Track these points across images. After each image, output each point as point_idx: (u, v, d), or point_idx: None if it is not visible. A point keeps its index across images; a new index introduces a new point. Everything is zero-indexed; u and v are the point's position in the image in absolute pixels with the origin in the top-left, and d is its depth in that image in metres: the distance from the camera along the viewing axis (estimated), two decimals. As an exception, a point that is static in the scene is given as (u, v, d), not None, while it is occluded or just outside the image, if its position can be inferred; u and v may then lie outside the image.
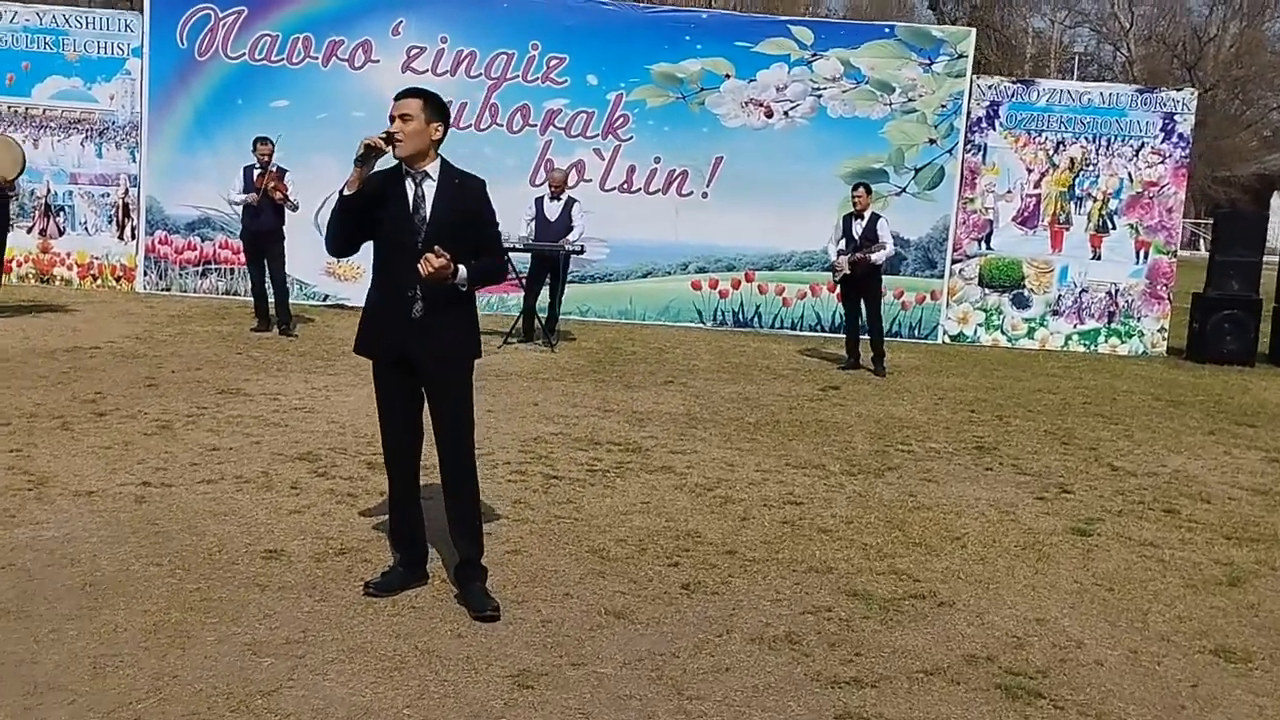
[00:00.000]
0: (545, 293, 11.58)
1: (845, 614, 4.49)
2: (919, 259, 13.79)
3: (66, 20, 13.36)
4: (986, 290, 13.92)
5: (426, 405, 4.37)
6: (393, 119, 4.15)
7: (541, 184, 12.33)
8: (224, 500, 5.39)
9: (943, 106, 13.67)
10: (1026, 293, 13.90)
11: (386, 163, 4.21)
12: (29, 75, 13.20)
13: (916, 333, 13.83)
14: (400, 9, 13.54)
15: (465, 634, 4.05)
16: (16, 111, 13.21)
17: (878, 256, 10.75)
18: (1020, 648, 4.27)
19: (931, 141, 13.71)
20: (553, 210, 11.37)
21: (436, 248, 4.03)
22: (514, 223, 11.77)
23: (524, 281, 11.66)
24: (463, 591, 4.32)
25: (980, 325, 13.94)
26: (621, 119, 13.56)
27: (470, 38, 13.46)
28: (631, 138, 13.59)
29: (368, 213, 4.17)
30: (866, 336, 11.05)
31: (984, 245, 13.88)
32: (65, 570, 4.35)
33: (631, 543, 5.21)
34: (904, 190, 13.69)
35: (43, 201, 13.37)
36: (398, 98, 4.20)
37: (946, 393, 10.16)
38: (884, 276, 11.31)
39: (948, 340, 13.88)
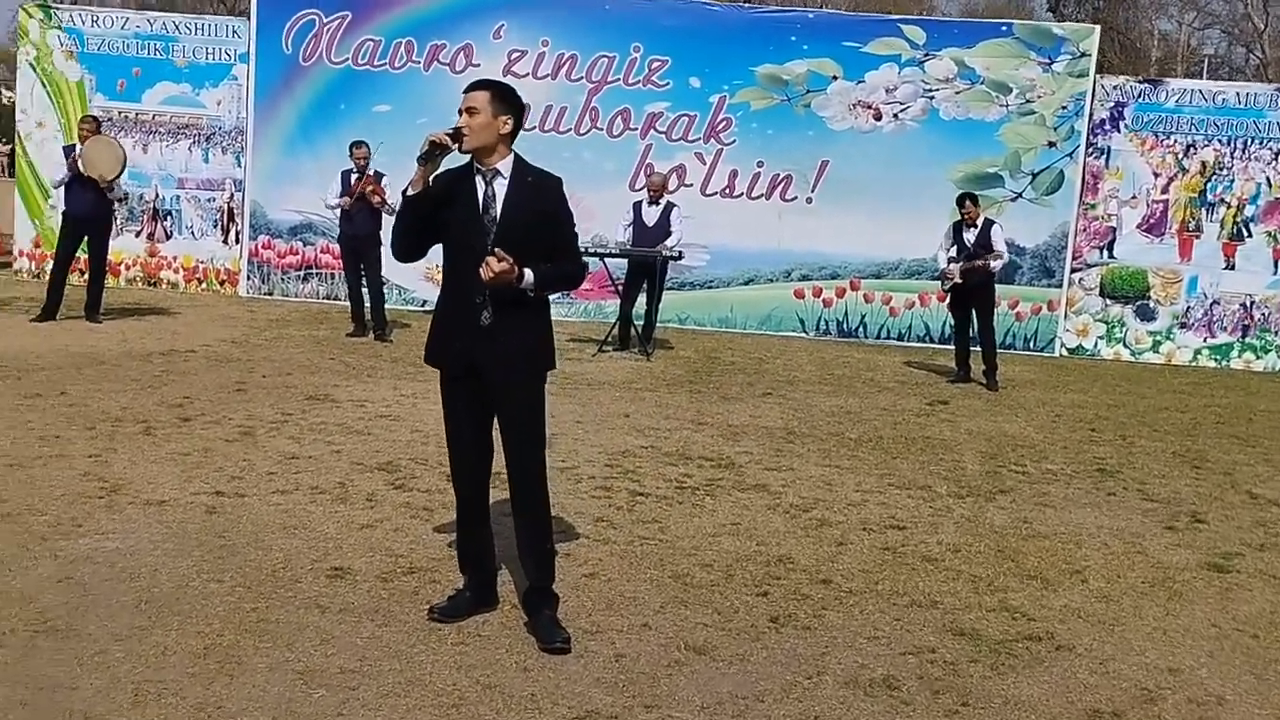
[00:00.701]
0: (642, 299, 11.28)
1: (951, 656, 4.07)
2: (1035, 267, 13.14)
3: (176, 27, 13.56)
4: (1108, 301, 13.19)
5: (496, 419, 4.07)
6: (460, 114, 3.88)
7: (641, 189, 12.05)
8: (295, 512, 5.19)
9: (1063, 108, 13.01)
10: (1152, 304, 13.14)
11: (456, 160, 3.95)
12: (139, 81, 13.41)
13: (1032, 345, 13.17)
14: (502, 12, 13.42)
15: (532, 667, 3.75)
16: (127, 117, 13.43)
17: (993, 265, 10.21)
18: (1151, 702, 3.80)
19: (1050, 144, 13.05)
20: (651, 215, 11.07)
21: (498, 250, 3.75)
22: (611, 228, 11.57)
23: (620, 288, 11.40)
24: (532, 620, 4.02)
25: (1101, 338, 13.22)
26: (724, 122, 13.21)
27: (571, 40, 13.26)
28: (734, 141, 13.23)
29: (435, 214, 3.90)
30: (978, 348, 10.51)
31: (1106, 254, 13.16)
32: (122, 585, 4.17)
33: (718, 568, 4.86)
34: (1020, 195, 13.06)
35: (151, 206, 13.57)
36: (465, 91, 3.93)
37: (1064, 409, 9.57)
38: (998, 285, 10.76)
39: (1065, 353, 13.19)
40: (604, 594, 4.47)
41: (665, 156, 13.16)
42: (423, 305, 13.11)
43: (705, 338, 12.67)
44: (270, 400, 7.63)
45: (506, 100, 3.92)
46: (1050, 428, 8.68)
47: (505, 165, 3.93)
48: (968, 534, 5.63)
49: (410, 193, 3.85)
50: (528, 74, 13.17)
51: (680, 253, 11.16)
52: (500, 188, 3.91)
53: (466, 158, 3.93)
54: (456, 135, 3.82)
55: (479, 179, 3.92)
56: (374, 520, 5.16)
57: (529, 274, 3.82)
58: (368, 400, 7.89)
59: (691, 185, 13.20)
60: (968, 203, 10.38)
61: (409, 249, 4.02)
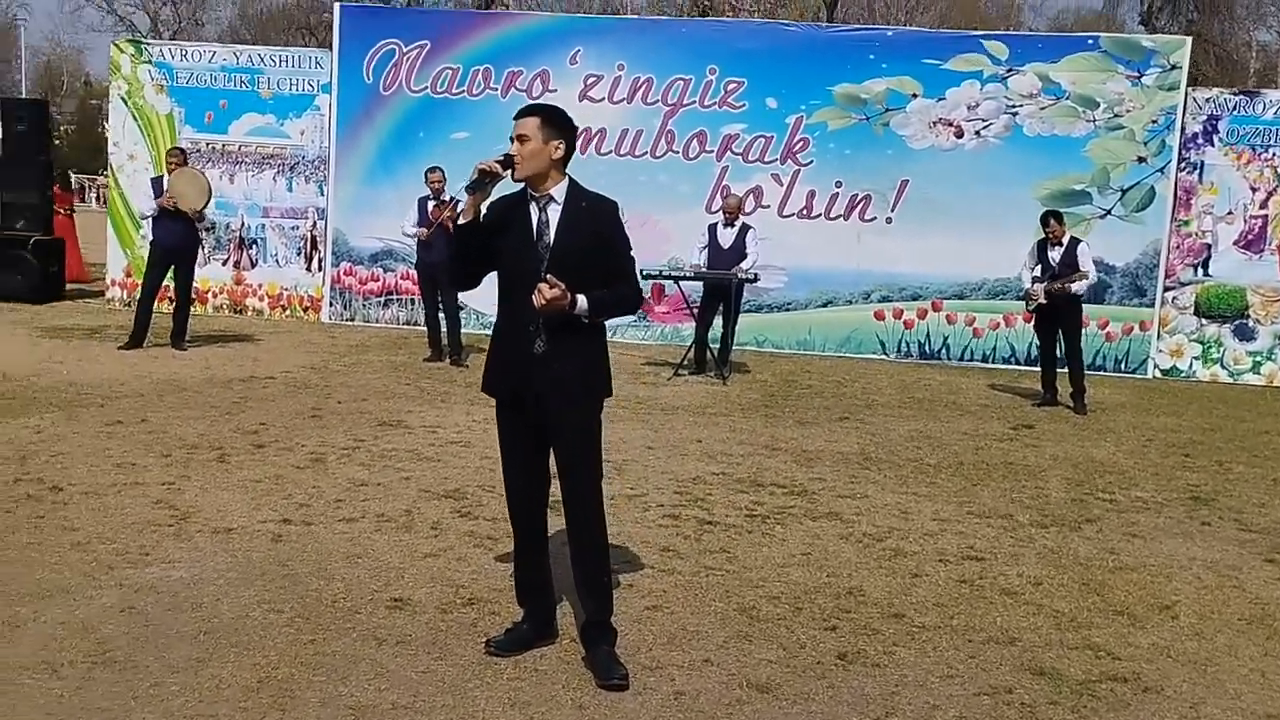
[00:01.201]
0: (718, 322, 11.16)
1: (1029, 698, 3.88)
2: (1126, 286, 12.72)
3: (261, 59, 13.85)
4: (1204, 320, 12.71)
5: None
6: (511, 140, 3.83)
7: (717, 211, 11.94)
8: (360, 540, 5.18)
9: (1153, 122, 12.60)
10: (1250, 323, 12.63)
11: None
12: (226, 113, 13.72)
13: (1123, 366, 12.74)
14: (578, 38, 13.46)
15: (588, 705, 3.65)
16: (214, 148, 13.74)
17: (1077, 285, 9.88)
18: (1245, 751, 3.57)
19: (1140, 160, 12.65)
20: (726, 237, 10.96)
21: (550, 276, 3.68)
22: (687, 250, 11.50)
23: (696, 311, 11.31)
24: (589, 655, 3.92)
25: (1196, 358, 12.73)
26: (801, 142, 13.06)
27: (647, 64, 13.24)
28: (811, 162, 13.06)
29: (488, 242, 3.86)
30: (1065, 370, 10.19)
31: (1200, 271, 12.69)
32: (184, 615, 4.18)
33: (786, 601, 4.72)
34: (1109, 212, 12.67)
35: (237, 234, 13.85)
36: (516, 117, 3.88)
37: (1156, 434, 9.21)
38: (1085, 305, 10.43)
39: (1159, 375, 12.73)
40: (666, 627, 4.36)
41: (742, 178, 13.05)
42: (500, 330, 13.16)
43: (783, 360, 12.49)
44: (344, 426, 7.68)
45: (557, 124, 3.86)
46: (1141, 453, 8.35)
47: (559, 191, 3.87)
48: (1050, 566, 5.40)
49: (461, 222, 3.82)
50: (603, 98, 13.19)
51: (756, 275, 11.03)
52: (554, 214, 3.85)
53: (521, 185, 3.88)
54: (507, 162, 3.77)
55: (533, 205, 3.87)
56: (438, 549, 5.12)
57: (582, 300, 3.75)
58: (440, 426, 7.89)
59: (769, 207, 13.05)
60: (1052, 221, 10.08)
61: (464, 276, 3.99)
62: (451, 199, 11.00)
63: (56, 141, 46.88)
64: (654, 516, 5.89)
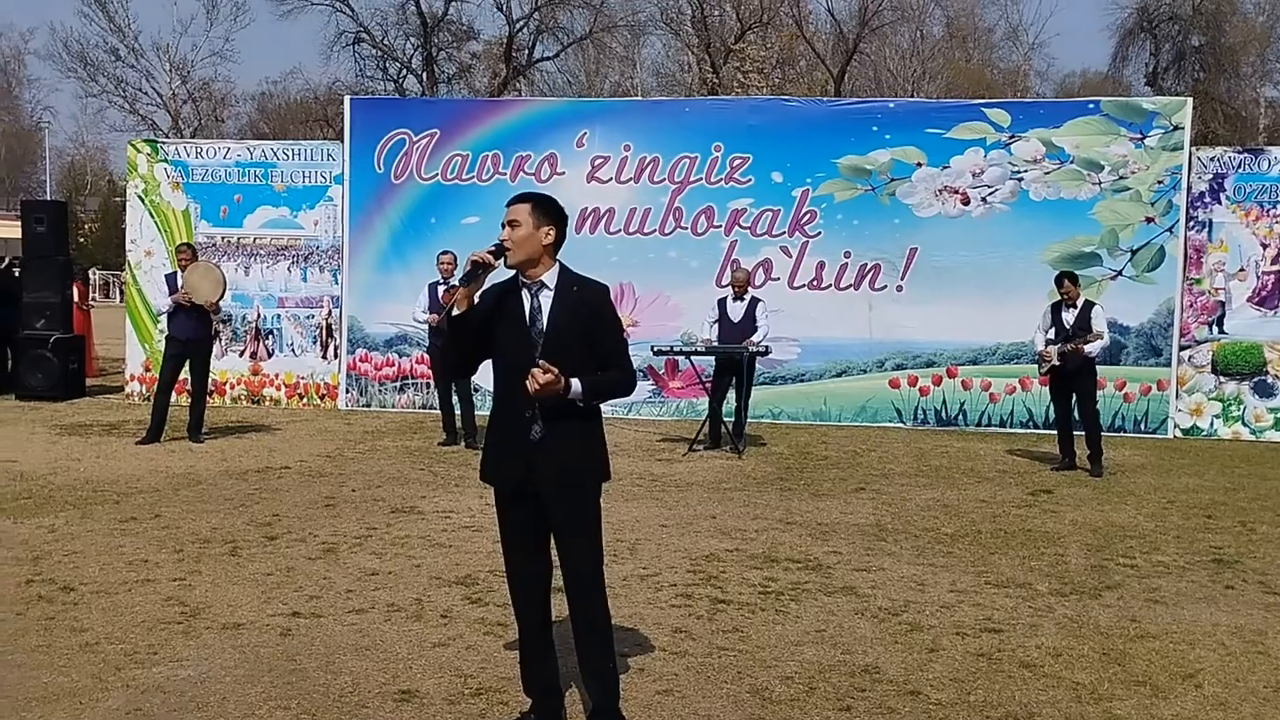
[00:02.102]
0: (732, 396, 11.16)
1: (1047, 775, 3.79)
2: (1141, 346, 12.67)
3: (275, 154, 14.11)
4: (1222, 378, 12.62)
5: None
6: (503, 227, 3.89)
7: (726, 285, 12.00)
8: (370, 632, 5.15)
9: (1159, 182, 12.65)
10: (1270, 379, 12.53)
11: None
12: (240, 207, 13.95)
13: (1143, 426, 12.63)
14: (584, 121, 13.68)
15: (596, 796, 3.59)
16: (230, 241, 13.95)
17: (1091, 347, 9.85)
18: (1272, 826, 3.46)
19: (1149, 220, 12.68)
20: (736, 311, 11.01)
21: (542, 362, 3.71)
22: (698, 325, 11.55)
23: (709, 385, 11.33)
24: (597, 743, 3.87)
25: (1217, 417, 12.62)
26: (808, 214, 13.16)
27: (653, 144, 13.42)
28: (819, 233, 13.15)
29: (482, 330, 3.89)
30: (1082, 432, 10.11)
31: (1215, 329, 12.63)
32: (190, 716, 4.14)
33: (799, 681, 4.65)
34: (1120, 273, 12.66)
35: (253, 325, 14.00)
36: (508, 204, 3.95)
37: (1178, 495, 9.09)
38: (1101, 367, 10.39)
39: (1179, 434, 12.61)
40: (677, 711, 4.29)
41: (750, 252, 13.13)
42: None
43: (799, 432, 12.45)
44: (357, 515, 7.67)
45: (548, 211, 3.92)
46: (1162, 515, 8.24)
47: (550, 276, 3.91)
48: (1070, 636, 5.31)
49: (455, 313, 3.85)
50: (611, 178, 13.36)
51: (767, 347, 11.05)
52: (546, 300, 3.89)
53: (512, 271, 3.93)
54: (498, 251, 3.83)
55: (525, 291, 3.91)
56: (447, 638, 5.08)
57: (576, 384, 3.77)
58: (453, 511, 7.88)
59: (779, 279, 13.12)
60: (1066, 282, 10.07)
61: (459, 366, 4.02)
62: (458, 284, 11.13)
63: (81, 239, 47.82)
64: (666, 596, 5.83)
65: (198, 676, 4.54)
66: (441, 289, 10.89)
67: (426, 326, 11.09)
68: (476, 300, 3.90)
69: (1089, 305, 10.05)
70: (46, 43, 64.79)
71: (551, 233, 3.89)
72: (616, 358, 3.98)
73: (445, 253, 11.05)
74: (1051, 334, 10.06)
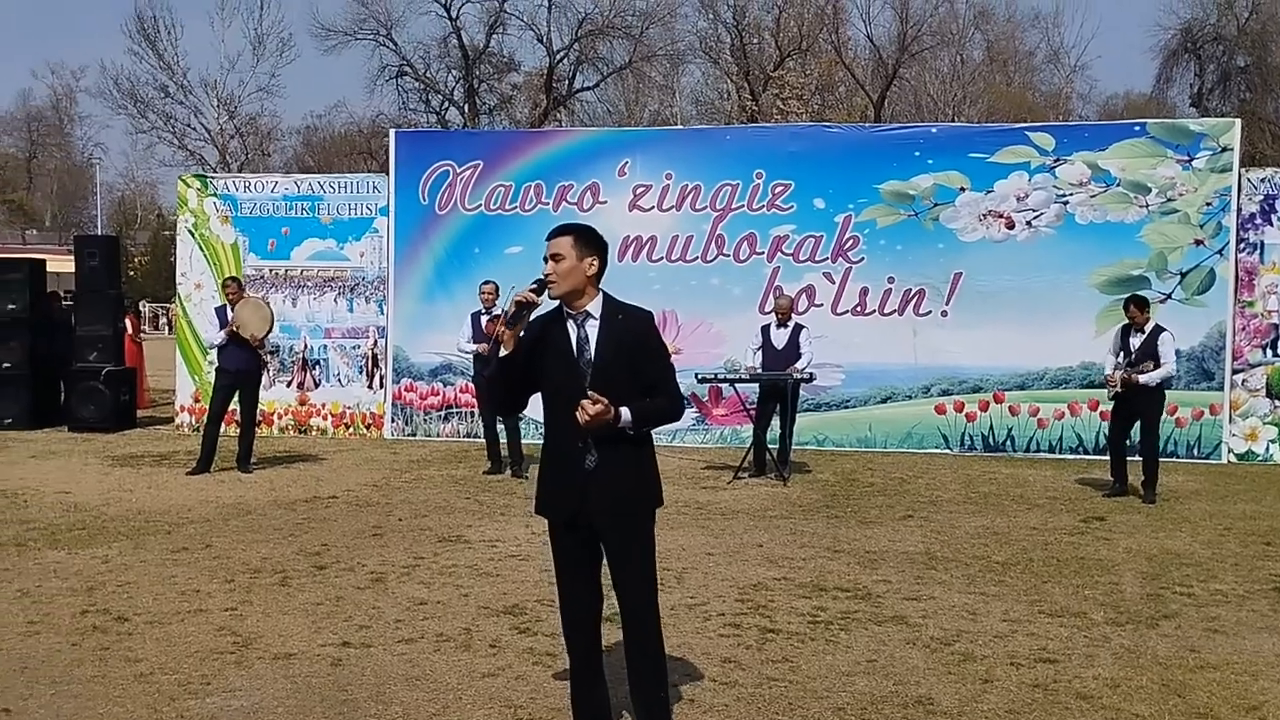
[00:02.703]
0: (776, 423, 11.12)
1: (1109, 810, 3.71)
2: (1193, 370, 12.47)
3: (321, 187, 14.30)
4: (1276, 402, 12.40)
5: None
6: (545, 261, 3.91)
7: (769, 312, 11.97)
8: (419, 662, 5.16)
9: (1208, 204, 12.49)
10: (1327, 402, 12.29)
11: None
12: (288, 239, 14.14)
13: (1196, 452, 12.43)
14: (626, 150, 13.75)
15: (648, 829, 3.56)
16: (277, 274, 14.13)
17: (1148, 377, 9.63)
18: None
19: (1198, 242, 12.52)
20: (779, 338, 10.98)
21: (592, 393, 3.72)
22: (741, 352, 11.54)
23: (754, 412, 11.30)
24: (649, 774, 3.85)
25: (1273, 441, 12.39)
26: (851, 240, 13.12)
27: (694, 172, 13.46)
28: (863, 259, 13.10)
29: (530, 367, 3.91)
30: (1136, 458, 9.95)
31: (1269, 352, 12.43)
32: (242, 744, 4.17)
33: (851, 712, 4.60)
34: (1169, 297, 12.49)
35: (300, 356, 14.15)
36: (549, 238, 3.97)
37: (1234, 522, 8.92)
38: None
39: (1234, 459, 12.39)
40: (728, 744, 4.26)
41: (793, 278, 13.11)
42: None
43: (844, 458, 12.36)
44: (404, 544, 7.70)
45: (590, 241, 3.94)
46: (1219, 543, 8.09)
47: (595, 306, 3.93)
48: (1127, 666, 5.22)
49: (503, 353, 3.87)
50: (653, 207, 13.40)
51: (811, 374, 11.01)
52: (592, 329, 3.91)
53: (555, 303, 3.94)
54: (541, 287, 3.84)
55: (570, 323, 3.92)
56: (496, 668, 5.08)
57: (625, 412, 3.79)
58: (499, 540, 7.89)
59: (822, 305, 13.08)
60: (1131, 306, 9.90)
61: (509, 403, 4.04)
62: (503, 312, 11.12)
63: (130, 272, 48.63)
64: (715, 626, 5.80)
65: (251, 707, 4.57)
66: (484, 319, 10.95)
67: (472, 355, 11.14)
68: (521, 335, 3.91)
69: (1158, 331, 9.80)
70: (97, 80, 66.49)
71: (594, 263, 3.91)
72: (664, 384, 3.99)
73: (487, 282, 11.12)
74: (1120, 358, 9.89)
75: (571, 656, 4.05)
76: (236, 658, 5.18)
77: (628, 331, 3.93)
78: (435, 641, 5.47)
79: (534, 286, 3.85)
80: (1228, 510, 9.44)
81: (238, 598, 6.23)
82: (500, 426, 11.17)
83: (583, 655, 4.01)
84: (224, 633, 5.57)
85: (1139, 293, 10.40)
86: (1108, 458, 10.41)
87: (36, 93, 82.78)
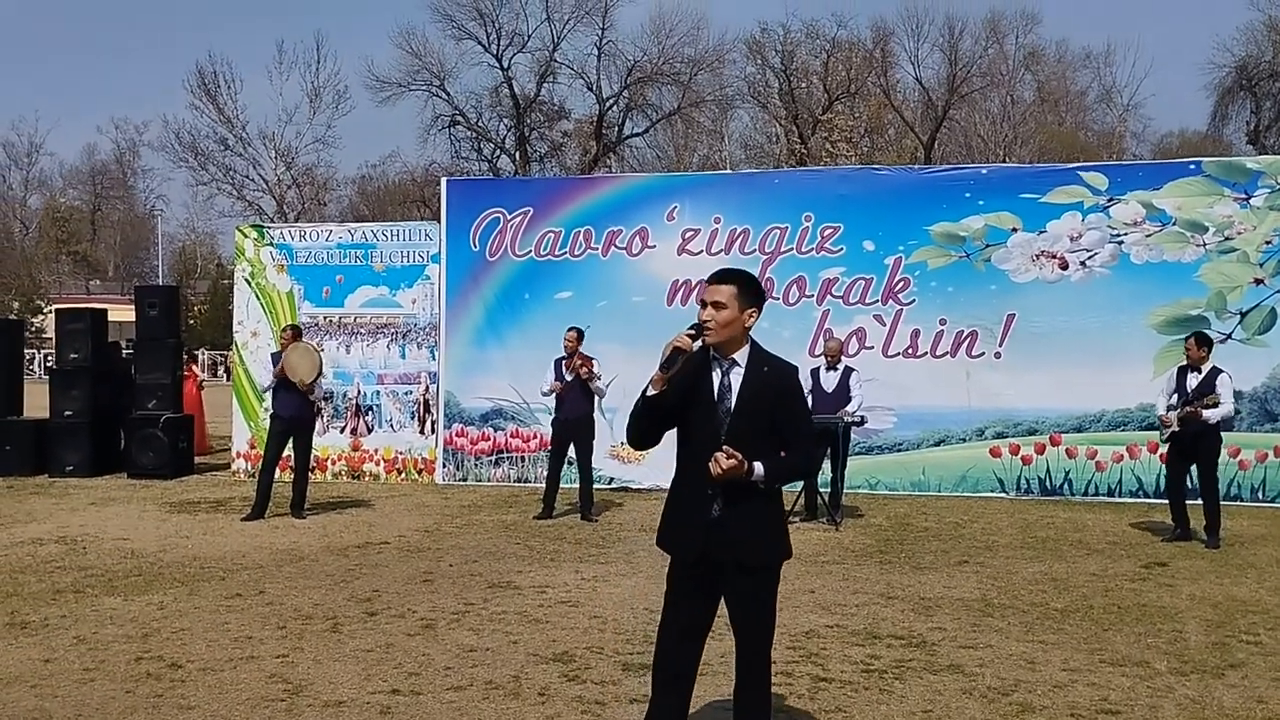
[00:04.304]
0: (827, 467, 11.01)
1: None
2: (1255, 411, 12.21)
3: (374, 235, 14.52)
4: (1342, 443, 12.07)
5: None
6: (703, 304, 3.91)
7: (819, 355, 11.89)
8: (468, 710, 5.13)
9: (1267, 243, 12.29)
10: (1394, 443, 11.95)
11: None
12: (342, 287, 14.33)
13: (1260, 495, 12.12)
14: (675, 195, 13.82)
15: None
16: (331, 321, 14.32)
17: (1210, 414, 9.43)
18: None
19: (1258, 281, 12.30)
20: (829, 381, 10.92)
21: (727, 448, 3.76)
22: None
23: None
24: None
25: (1341, 484, 12.07)
26: (902, 282, 13.05)
27: (743, 216, 13.48)
28: (914, 301, 13.01)
29: (674, 408, 3.93)
30: (1197, 501, 9.73)
31: (1334, 391, 12.13)
32: (291, 793, 4.17)
33: (907, 764, 4.50)
34: (1229, 337, 12.25)
35: (354, 402, 14.29)
36: (710, 281, 3.96)
37: (1302, 567, 8.68)
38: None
39: (1301, 503, 12.07)
40: (780, 796, 4.18)
41: (843, 320, 13.05)
42: (610, 483, 13.19)
43: (897, 502, 12.21)
44: (455, 590, 7.70)
45: (754, 293, 3.95)
46: (1286, 589, 7.87)
47: (742, 355, 3.94)
48: (1193, 718, 5.06)
49: (651, 393, 3.87)
50: (701, 251, 13.43)
51: (863, 417, 10.92)
52: (736, 378, 3.92)
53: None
54: (697, 334, 3.85)
55: (715, 368, 3.94)
56: (545, 716, 5.04)
57: (759, 468, 3.81)
58: (549, 585, 7.87)
59: (873, 348, 13.00)
60: (1191, 341, 9.74)
61: (645, 438, 4.03)
62: (587, 358, 10.99)
63: (190, 321, 49.54)
64: (766, 675, 5.71)
65: (300, 755, 4.57)
66: (564, 362, 10.98)
67: (553, 397, 11.16)
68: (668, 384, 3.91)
69: (1216, 372, 9.59)
70: (159, 134, 68.23)
71: (754, 314, 3.93)
72: (800, 439, 4.01)
73: (571, 329, 11.12)
74: (1174, 399, 9.71)
75: (656, 695, 4.05)
76: (287, 705, 5.19)
77: (770, 384, 3.92)
78: (484, 689, 5.45)
79: (690, 332, 3.86)
80: (1295, 555, 9.19)
81: (289, 644, 6.26)
82: (567, 469, 11.22)
83: (670, 695, 4.01)
84: (275, 680, 5.58)
85: (1202, 330, 10.20)
86: (1168, 501, 10.19)
87: (101, 147, 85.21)
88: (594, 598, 7.50)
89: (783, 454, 3.94)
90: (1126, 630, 6.68)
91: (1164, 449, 10.08)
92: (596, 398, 11.06)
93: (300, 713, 5.10)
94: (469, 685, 5.51)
